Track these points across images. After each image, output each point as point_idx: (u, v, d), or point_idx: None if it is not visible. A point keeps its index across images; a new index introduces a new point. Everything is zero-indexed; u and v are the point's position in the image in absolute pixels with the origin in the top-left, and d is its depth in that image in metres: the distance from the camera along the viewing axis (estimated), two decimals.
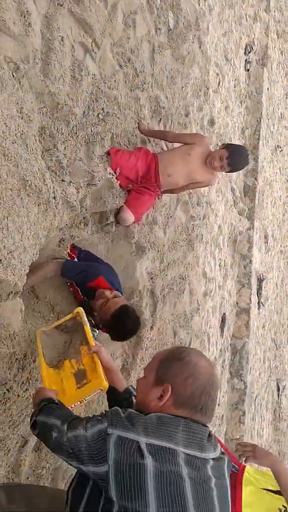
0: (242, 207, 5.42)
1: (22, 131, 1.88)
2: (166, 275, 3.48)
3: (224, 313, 4.95)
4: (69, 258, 2.49)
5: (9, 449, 2.04)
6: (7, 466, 2.02)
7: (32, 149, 1.94)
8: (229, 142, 4.49)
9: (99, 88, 2.43)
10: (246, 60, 5.54)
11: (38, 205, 1.95)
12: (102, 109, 2.44)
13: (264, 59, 6.00)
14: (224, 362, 4.89)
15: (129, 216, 2.80)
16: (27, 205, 1.87)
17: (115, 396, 1.66)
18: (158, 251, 3.33)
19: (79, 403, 1.66)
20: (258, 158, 5.70)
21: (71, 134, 2.22)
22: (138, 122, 2.94)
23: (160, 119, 3.26)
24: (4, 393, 1.98)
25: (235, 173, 4.70)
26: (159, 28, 3.05)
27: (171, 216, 3.51)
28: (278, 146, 6.92)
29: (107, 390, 1.67)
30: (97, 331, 2.69)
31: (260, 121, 5.77)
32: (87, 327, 1.90)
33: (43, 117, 2.08)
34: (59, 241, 2.48)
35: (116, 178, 2.57)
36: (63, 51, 2.14)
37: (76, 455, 1.12)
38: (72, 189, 2.23)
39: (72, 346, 1.96)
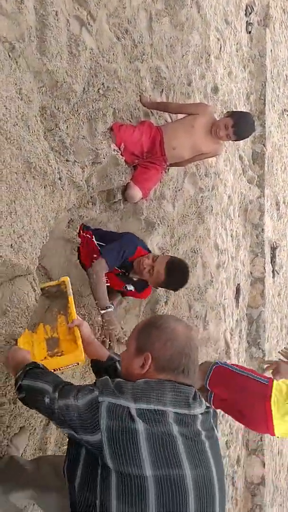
0: (251, 175, 5.33)
1: (23, 112, 1.85)
2: (178, 249, 3.47)
3: (239, 284, 4.94)
4: (79, 240, 2.49)
5: (35, 428, 2.09)
6: (34, 444, 2.08)
7: (34, 130, 1.92)
8: (234, 110, 4.39)
9: (98, 63, 2.38)
10: (247, 22, 5.35)
11: (44, 187, 1.94)
12: (102, 84, 2.39)
13: (266, 19, 5.78)
14: (241, 332, 4.91)
15: (136, 192, 2.77)
16: (33, 188, 1.86)
17: (99, 367, 1.67)
18: (168, 226, 3.30)
19: (53, 371, 1.64)
20: (265, 123, 5.57)
21: (72, 112, 2.19)
22: (140, 94, 2.88)
23: (162, 90, 3.19)
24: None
25: (242, 141, 4.60)
26: None
27: (179, 190, 3.47)
28: (285, 110, 6.74)
29: (92, 364, 1.70)
30: (112, 306, 2.72)
31: (265, 85, 5.61)
32: (71, 298, 1.88)
33: (43, 96, 2.05)
34: (68, 222, 2.47)
35: (121, 154, 2.54)
36: (58, 27, 2.08)
37: (68, 424, 1.15)
38: (77, 169, 2.21)
39: (49, 312, 1.95)
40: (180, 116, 2.97)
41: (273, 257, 5.86)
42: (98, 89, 2.37)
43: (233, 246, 4.79)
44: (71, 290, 1.93)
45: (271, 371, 2.59)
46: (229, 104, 4.54)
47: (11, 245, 1.72)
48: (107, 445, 1.04)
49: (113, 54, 2.52)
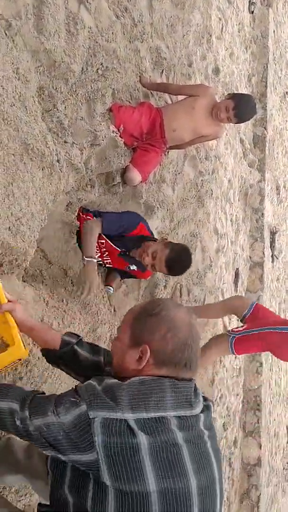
0: (252, 159, 5.28)
1: (20, 92, 1.82)
2: (177, 233, 3.45)
3: (238, 268, 4.94)
4: (77, 224, 2.48)
5: None
6: None
7: (32, 111, 1.89)
8: (235, 92, 4.33)
9: (97, 42, 2.33)
10: (249, 1, 5.24)
11: (42, 169, 1.92)
12: (101, 64, 2.34)
13: None
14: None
15: (135, 175, 2.74)
16: (31, 170, 1.84)
17: (52, 357, 1.44)
18: (167, 209, 3.28)
19: None
20: (266, 106, 5.51)
21: (70, 92, 2.15)
22: (140, 75, 2.83)
23: (162, 70, 3.14)
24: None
25: (243, 123, 4.55)
26: None
27: (179, 173, 3.44)
28: (286, 93, 6.65)
29: (44, 354, 1.47)
30: (111, 289, 2.73)
31: (267, 66, 5.52)
32: None
33: (40, 76, 2.01)
34: (66, 205, 2.45)
35: (120, 136, 2.50)
36: (56, 4, 2.03)
37: (52, 445, 0.99)
38: (76, 151, 2.18)
39: None
40: (180, 97, 2.93)
41: (272, 241, 5.85)
42: (97, 69, 2.32)
43: (233, 230, 4.78)
44: None
45: None
46: (230, 86, 4.48)
47: (9, 228, 1.71)
48: (105, 463, 0.93)
49: (112, 33, 2.47)
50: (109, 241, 2.55)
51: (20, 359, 1.39)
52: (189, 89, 2.87)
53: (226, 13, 4.33)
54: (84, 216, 2.52)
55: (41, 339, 1.45)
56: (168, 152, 3.14)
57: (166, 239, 2.53)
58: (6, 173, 1.69)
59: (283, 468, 6.28)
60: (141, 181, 2.83)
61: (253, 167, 5.33)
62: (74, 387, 1.06)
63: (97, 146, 2.35)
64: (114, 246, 2.55)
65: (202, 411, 1.08)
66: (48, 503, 1.09)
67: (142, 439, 0.94)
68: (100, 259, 2.60)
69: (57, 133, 2.08)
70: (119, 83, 2.57)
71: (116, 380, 1.03)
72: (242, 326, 2.88)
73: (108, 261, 2.63)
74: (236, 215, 4.87)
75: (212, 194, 3.98)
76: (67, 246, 2.50)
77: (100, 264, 2.63)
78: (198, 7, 3.54)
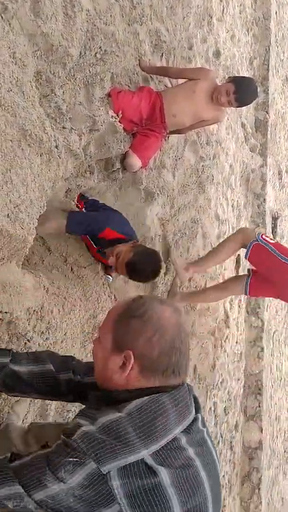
0: (254, 143, 5.23)
1: (17, 77, 1.79)
2: (178, 220, 3.44)
3: (239, 254, 4.93)
4: (77, 210, 2.47)
5: None
6: (34, 412, 2.12)
7: (29, 96, 1.86)
8: (236, 75, 4.26)
9: (95, 25, 2.28)
10: None
11: (40, 156, 1.90)
12: (100, 47, 2.30)
13: None
14: (240, 302, 4.94)
15: (135, 161, 2.72)
16: (29, 156, 1.83)
17: None
18: (168, 195, 3.26)
19: None
20: (268, 89, 5.43)
21: (68, 77, 2.12)
22: (139, 59, 2.79)
23: (162, 54, 3.09)
24: (25, 343, 2.04)
25: (244, 107, 4.49)
26: None
27: (179, 158, 3.41)
28: None
29: None
30: (111, 278, 2.73)
31: (269, 49, 5.43)
32: None
33: (37, 61, 1.98)
34: (65, 192, 2.44)
35: (119, 121, 2.48)
36: None
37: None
38: (74, 136, 2.16)
39: None
40: (180, 81, 2.89)
41: (274, 227, 5.82)
42: (95, 53, 2.28)
43: (234, 216, 4.75)
44: None
45: None
46: (231, 69, 4.41)
47: (8, 215, 1.71)
48: (129, 510, 0.85)
49: (111, 16, 2.43)
50: (88, 238, 2.53)
51: None
52: (190, 73, 2.83)
53: None
54: (78, 203, 2.51)
55: None
56: (168, 137, 3.11)
57: (136, 241, 2.42)
58: (4, 159, 1.68)
59: (284, 451, 6.36)
60: (141, 167, 2.81)
61: (254, 151, 5.28)
62: (63, 442, 0.90)
63: (96, 131, 2.33)
64: (92, 243, 2.53)
65: (196, 410, 1.03)
66: None
67: (163, 474, 0.87)
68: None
69: (55, 119, 2.05)
70: (118, 67, 2.54)
71: (110, 415, 0.92)
72: (272, 239, 2.88)
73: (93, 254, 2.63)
74: (237, 200, 4.84)
75: (213, 179, 3.95)
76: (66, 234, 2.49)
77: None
78: None
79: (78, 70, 2.17)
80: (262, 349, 5.21)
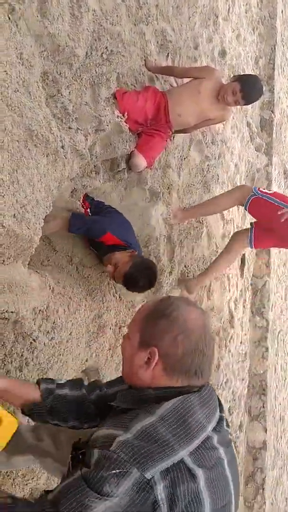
0: (259, 143, 5.21)
1: (24, 78, 1.80)
2: None
3: (244, 254, 4.92)
4: (82, 210, 2.47)
5: None
6: None
7: (36, 97, 1.87)
8: (240, 74, 4.25)
9: (101, 25, 2.29)
10: None
11: (46, 156, 1.91)
12: (106, 47, 2.31)
13: None
14: (245, 302, 4.93)
15: (141, 161, 2.72)
16: (35, 157, 1.83)
17: (38, 409, 1.31)
18: (173, 195, 3.26)
19: None
20: (274, 89, 5.41)
21: (75, 77, 2.13)
22: (145, 58, 2.79)
23: (168, 53, 3.09)
24: (31, 342, 2.05)
25: (250, 106, 4.49)
26: None
27: (184, 158, 3.41)
28: None
29: (28, 413, 1.33)
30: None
31: (275, 48, 5.41)
32: None
33: (44, 61, 1.99)
34: (71, 192, 2.45)
35: (124, 121, 2.48)
36: None
37: None
38: (80, 137, 2.16)
39: None
40: (186, 80, 2.88)
41: None
42: (102, 53, 2.29)
43: (239, 216, 4.75)
44: None
45: None
46: (237, 68, 4.40)
47: (14, 215, 1.71)
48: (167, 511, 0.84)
49: (117, 16, 2.43)
50: (89, 241, 2.54)
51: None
52: (195, 71, 2.82)
53: None
54: (83, 204, 2.51)
55: (17, 396, 1.31)
56: (173, 137, 3.11)
57: (134, 251, 2.42)
58: (11, 160, 1.69)
59: None
60: (146, 167, 2.81)
61: (260, 151, 5.26)
62: (100, 456, 0.86)
63: (102, 131, 2.33)
64: (91, 246, 2.55)
65: (220, 410, 1.05)
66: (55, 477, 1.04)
67: (201, 477, 0.88)
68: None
69: (61, 119, 2.06)
70: (124, 67, 2.54)
71: (143, 421, 0.92)
72: (270, 190, 2.90)
73: None
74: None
75: (218, 179, 3.94)
76: (71, 233, 2.50)
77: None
78: None
79: (84, 70, 2.17)
80: (267, 349, 5.20)
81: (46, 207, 1.93)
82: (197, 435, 0.92)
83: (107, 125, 2.33)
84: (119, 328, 2.63)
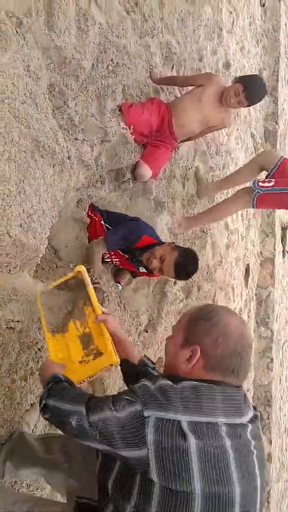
0: None
1: (31, 90, 1.82)
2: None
3: (248, 264, 4.92)
4: (88, 221, 2.49)
5: None
6: (44, 421, 2.12)
7: (43, 108, 1.89)
8: (241, 75, 4.28)
9: (107, 38, 2.32)
10: None
11: (53, 166, 1.93)
12: (112, 60, 2.34)
13: None
14: (249, 312, 4.92)
15: (146, 171, 2.74)
16: (42, 167, 1.85)
17: (130, 369, 1.55)
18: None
19: (88, 378, 1.51)
20: (278, 100, 5.45)
21: (81, 89, 2.15)
22: (150, 70, 2.82)
23: (173, 66, 3.12)
24: (36, 352, 2.05)
25: (254, 119, 4.51)
26: None
27: (189, 168, 3.43)
28: None
29: (122, 364, 1.55)
30: (120, 286, 2.74)
31: (279, 60, 5.47)
32: (91, 289, 1.69)
33: (51, 73, 2.01)
34: (77, 202, 2.46)
35: (130, 133, 2.50)
36: (67, 0, 2.03)
37: (107, 439, 1.03)
38: (86, 147, 2.18)
39: (75, 306, 1.82)
40: (190, 88, 2.91)
41: (283, 237, 5.81)
42: (107, 65, 2.32)
43: (243, 226, 4.75)
44: (89, 279, 1.73)
45: None
46: None
47: (21, 224, 1.72)
48: (154, 461, 0.97)
49: (123, 29, 2.46)
50: (121, 251, 2.57)
51: (111, 365, 1.48)
52: (196, 79, 2.84)
53: (237, 6, 4.29)
54: (92, 215, 2.53)
55: (125, 351, 1.56)
56: (178, 148, 3.13)
57: (173, 243, 2.49)
58: (18, 170, 1.70)
59: None
60: (151, 177, 2.83)
61: None
62: (129, 388, 1.13)
63: (108, 142, 2.35)
64: (121, 253, 2.56)
65: (250, 421, 1.09)
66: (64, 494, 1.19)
67: (192, 442, 0.97)
68: (109, 259, 2.61)
69: (67, 130, 2.08)
70: (129, 79, 2.57)
71: (168, 382, 1.07)
72: (269, 182, 2.85)
73: (116, 260, 2.64)
74: (247, 210, 4.84)
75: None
76: (78, 243, 2.51)
77: (106, 262, 2.63)
78: (209, 1, 3.51)
79: (90, 82, 2.20)
80: (272, 360, 5.18)
81: (52, 217, 1.95)
82: (204, 415, 1.01)
83: (113, 136, 2.35)
84: None
